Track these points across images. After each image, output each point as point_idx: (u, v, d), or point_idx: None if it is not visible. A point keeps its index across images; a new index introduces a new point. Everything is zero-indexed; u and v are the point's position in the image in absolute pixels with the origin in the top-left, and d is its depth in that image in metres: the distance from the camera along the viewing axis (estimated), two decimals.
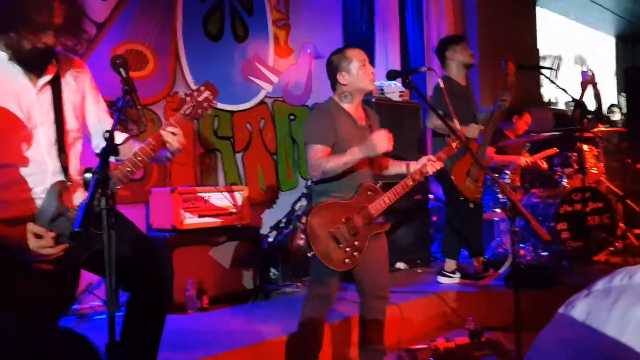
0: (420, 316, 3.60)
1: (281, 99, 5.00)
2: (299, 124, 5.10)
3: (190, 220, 3.51)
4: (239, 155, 4.65)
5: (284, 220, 4.40)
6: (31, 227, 1.67)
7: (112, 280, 1.32)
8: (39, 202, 1.76)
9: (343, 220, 2.39)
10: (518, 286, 2.12)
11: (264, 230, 4.43)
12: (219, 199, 3.74)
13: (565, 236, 4.36)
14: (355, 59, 2.50)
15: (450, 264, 4.08)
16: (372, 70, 2.52)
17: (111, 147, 1.40)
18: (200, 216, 3.58)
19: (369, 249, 2.43)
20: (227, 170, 4.55)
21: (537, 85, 7.48)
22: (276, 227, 4.36)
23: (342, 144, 2.44)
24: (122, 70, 1.66)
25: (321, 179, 2.46)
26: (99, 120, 2.00)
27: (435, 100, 3.63)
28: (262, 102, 4.85)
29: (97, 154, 1.39)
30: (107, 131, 1.39)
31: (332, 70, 2.54)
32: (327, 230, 2.36)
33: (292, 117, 5.09)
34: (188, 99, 1.86)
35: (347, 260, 2.37)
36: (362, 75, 2.47)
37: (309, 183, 2.77)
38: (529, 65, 3.80)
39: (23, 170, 1.74)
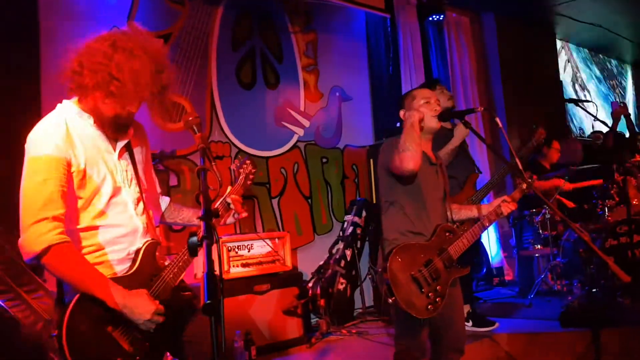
0: None
1: (313, 142, 5.03)
2: (331, 167, 5.11)
3: (236, 269, 3.48)
4: (275, 201, 4.65)
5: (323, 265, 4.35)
6: (146, 293, 1.66)
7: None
8: (130, 263, 1.76)
9: (423, 262, 2.24)
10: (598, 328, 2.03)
11: (304, 276, 4.37)
12: (261, 246, 3.72)
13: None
14: (419, 97, 2.44)
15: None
16: (436, 108, 2.43)
17: (210, 209, 1.39)
18: (244, 265, 3.54)
19: (450, 295, 2.28)
20: (265, 217, 4.54)
21: (563, 117, 7.46)
22: (317, 272, 4.31)
23: (413, 177, 2.33)
24: (195, 129, 1.67)
25: (391, 225, 2.35)
26: (150, 179, 2.03)
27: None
28: (295, 147, 4.88)
29: (199, 218, 1.38)
30: (199, 193, 1.38)
31: (399, 108, 2.50)
32: (408, 274, 2.20)
33: (324, 160, 5.10)
34: (241, 170, 2.07)
35: (430, 307, 2.20)
36: (423, 111, 2.38)
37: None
38: (575, 99, 3.79)
39: (118, 230, 1.74)
